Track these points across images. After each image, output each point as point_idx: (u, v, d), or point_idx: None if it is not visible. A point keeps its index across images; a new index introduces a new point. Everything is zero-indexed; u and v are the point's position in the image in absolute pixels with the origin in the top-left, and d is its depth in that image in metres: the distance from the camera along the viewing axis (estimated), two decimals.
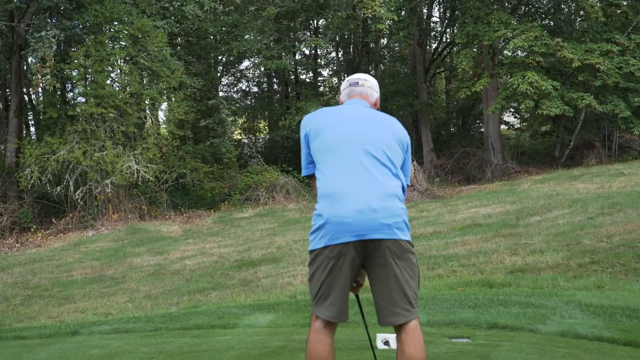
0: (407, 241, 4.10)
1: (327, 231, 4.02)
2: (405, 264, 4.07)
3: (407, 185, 4.33)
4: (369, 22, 32.27)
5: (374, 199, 4.00)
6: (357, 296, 4.67)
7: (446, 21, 39.36)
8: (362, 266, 4.18)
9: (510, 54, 31.47)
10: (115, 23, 25.65)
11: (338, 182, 4.09)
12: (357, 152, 4.15)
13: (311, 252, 4.15)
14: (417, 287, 4.19)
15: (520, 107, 33.81)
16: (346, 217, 3.96)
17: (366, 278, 4.36)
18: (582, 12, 32.40)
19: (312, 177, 4.40)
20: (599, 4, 31.34)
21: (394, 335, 5.53)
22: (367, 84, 4.65)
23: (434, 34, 39.87)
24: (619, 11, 30.52)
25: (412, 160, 21.94)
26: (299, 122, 25.63)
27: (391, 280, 4.06)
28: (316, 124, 4.40)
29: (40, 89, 30.02)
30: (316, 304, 4.17)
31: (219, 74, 39.13)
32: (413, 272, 4.13)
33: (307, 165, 4.40)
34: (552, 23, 34.54)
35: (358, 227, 3.95)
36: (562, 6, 35.43)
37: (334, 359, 4.13)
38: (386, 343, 6.43)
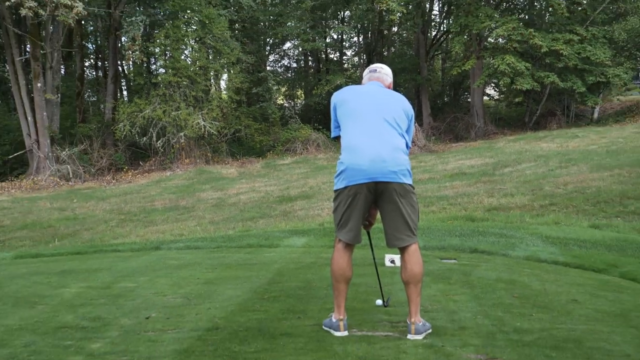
0: (409, 184, 4.19)
1: (347, 175, 4.13)
2: (407, 202, 4.16)
3: (409, 146, 4.39)
4: (384, 13, 31.84)
5: (384, 151, 4.09)
6: (368, 233, 4.76)
7: (444, 14, 38.86)
8: (374, 203, 4.27)
9: (493, 40, 31.11)
10: (188, 11, 25.51)
11: (356, 138, 4.17)
12: (372, 117, 4.23)
13: (335, 191, 4.26)
14: (417, 219, 4.29)
15: (500, 83, 33.52)
16: (362, 164, 4.07)
17: (378, 215, 4.45)
18: (550, 9, 31.86)
19: (338, 138, 4.44)
20: (564, 2, 30.83)
21: (398, 256, 5.60)
22: (383, 71, 4.67)
23: (434, 24, 39.32)
24: (580, 8, 30.04)
25: (415, 124, 21.88)
26: (329, 91, 25.64)
27: (397, 213, 4.17)
28: (342, 97, 4.45)
29: (131, 62, 29.99)
30: (338, 230, 4.30)
31: (267, 53, 38.81)
32: (413, 208, 4.21)
33: (335, 129, 4.46)
34: (526, 17, 33.92)
35: (371, 172, 4.06)
36: (535, 3, 34.80)
37: (351, 270, 4.30)
38: (392, 261, 6.48)
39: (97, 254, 9.19)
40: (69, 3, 20.23)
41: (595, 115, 33.02)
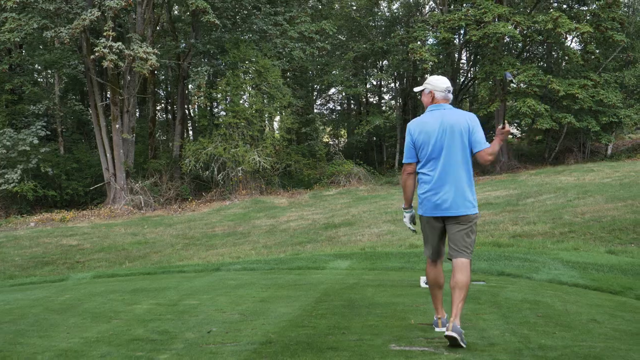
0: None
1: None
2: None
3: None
4: (417, 62, 31.88)
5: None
6: None
7: (471, 62, 38.70)
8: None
9: (515, 85, 30.86)
10: (246, 62, 25.86)
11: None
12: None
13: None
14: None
15: (522, 123, 33.14)
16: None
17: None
18: (566, 57, 31.61)
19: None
20: (579, 51, 30.57)
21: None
22: (449, 93, 4.63)
23: (462, 71, 39.18)
24: (593, 57, 29.67)
25: None
26: (369, 131, 25.71)
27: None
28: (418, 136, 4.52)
29: (196, 106, 30.48)
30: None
31: (314, 97, 39.13)
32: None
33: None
34: (545, 64, 33.66)
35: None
36: (553, 52, 34.54)
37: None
38: (426, 283, 6.38)
39: (165, 274, 9.26)
40: (145, 56, 20.73)
41: (609, 151, 32.47)
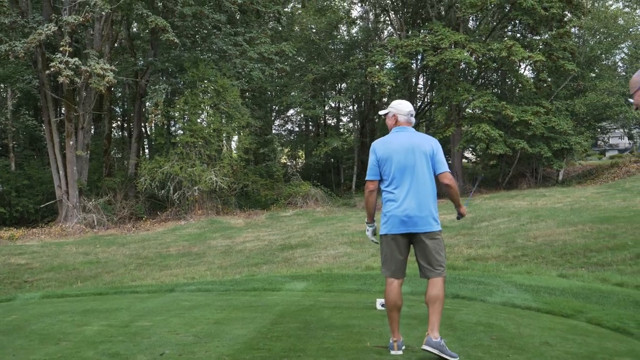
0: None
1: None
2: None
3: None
4: (375, 86, 32.22)
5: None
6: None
7: (427, 87, 39.31)
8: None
9: (470, 111, 31.43)
10: (205, 81, 25.76)
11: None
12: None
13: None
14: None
15: (476, 148, 33.74)
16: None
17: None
18: (520, 85, 32.43)
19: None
20: (532, 79, 31.36)
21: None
22: (412, 117, 4.80)
23: (419, 96, 39.74)
24: (545, 85, 30.42)
25: None
26: (326, 152, 25.82)
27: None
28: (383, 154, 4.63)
29: (153, 124, 30.20)
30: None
31: (272, 118, 39.16)
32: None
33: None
34: (499, 91, 34.40)
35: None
36: (507, 80, 35.33)
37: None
38: (382, 305, 6.37)
39: (117, 294, 9.05)
40: (101, 73, 20.47)
41: (560, 177, 33.23)
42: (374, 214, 4.78)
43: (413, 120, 4.79)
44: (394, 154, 4.54)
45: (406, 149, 4.53)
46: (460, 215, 5.01)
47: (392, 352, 4.48)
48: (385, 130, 32.76)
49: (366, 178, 4.70)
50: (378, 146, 4.65)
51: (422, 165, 4.52)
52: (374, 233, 4.89)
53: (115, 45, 30.49)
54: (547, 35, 31.28)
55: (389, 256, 4.60)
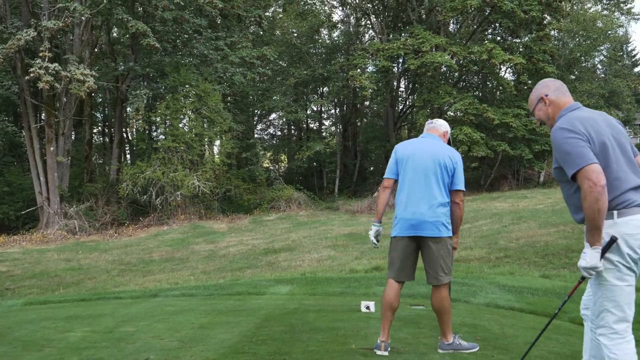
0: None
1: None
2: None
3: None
4: (357, 90, 32.32)
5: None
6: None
7: (409, 90, 39.45)
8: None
9: (452, 113, 31.60)
10: (187, 86, 25.67)
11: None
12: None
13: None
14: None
15: (458, 150, 33.86)
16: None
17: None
18: (500, 87, 32.66)
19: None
20: (512, 82, 31.61)
21: (373, 302, 5.67)
22: (437, 123, 4.90)
23: (401, 99, 39.89)
24: (526, 87, 30.68)
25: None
26: (309, 156, 25.79)
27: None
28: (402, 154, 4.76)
29: (134, 129, 30.02)
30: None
31: (255, 122, 39.11)
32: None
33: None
34: (480, 94, 34.64)
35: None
36: (488, 82, 35.59)
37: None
38: (367, 307, 6.38)
39: (100, 300, 8.99)
40: (82, 78, 20.33)
41: (542, 178, 33.48)
42: (382, 213, 4.82)
43: (438, 127, 4.89)
44: (413, 157, 4.63)
45: (425, 155, 4.61)
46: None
47: (378, 353, 4.50)
48: (367, 135, 32.84)
49: (384, 176, 4.79)
50: (400, 147, 4.77)
51: (437, 174, 4.56)
52: (377, 234, 4.85)
53: (96, 50, 30.29)
54: (527, 38, 31.56)
55: (394, 258, 4.65)
